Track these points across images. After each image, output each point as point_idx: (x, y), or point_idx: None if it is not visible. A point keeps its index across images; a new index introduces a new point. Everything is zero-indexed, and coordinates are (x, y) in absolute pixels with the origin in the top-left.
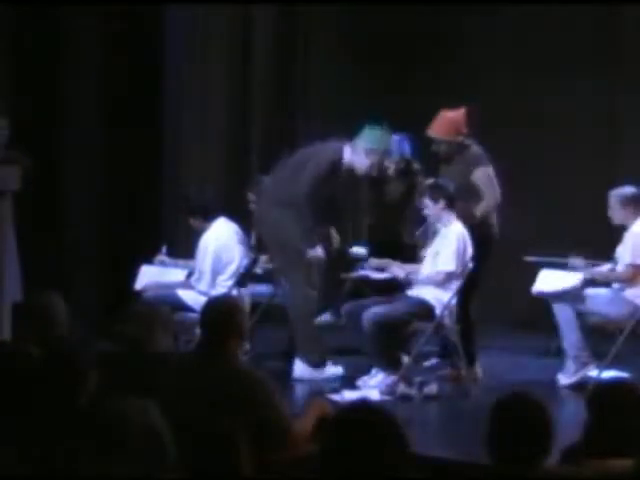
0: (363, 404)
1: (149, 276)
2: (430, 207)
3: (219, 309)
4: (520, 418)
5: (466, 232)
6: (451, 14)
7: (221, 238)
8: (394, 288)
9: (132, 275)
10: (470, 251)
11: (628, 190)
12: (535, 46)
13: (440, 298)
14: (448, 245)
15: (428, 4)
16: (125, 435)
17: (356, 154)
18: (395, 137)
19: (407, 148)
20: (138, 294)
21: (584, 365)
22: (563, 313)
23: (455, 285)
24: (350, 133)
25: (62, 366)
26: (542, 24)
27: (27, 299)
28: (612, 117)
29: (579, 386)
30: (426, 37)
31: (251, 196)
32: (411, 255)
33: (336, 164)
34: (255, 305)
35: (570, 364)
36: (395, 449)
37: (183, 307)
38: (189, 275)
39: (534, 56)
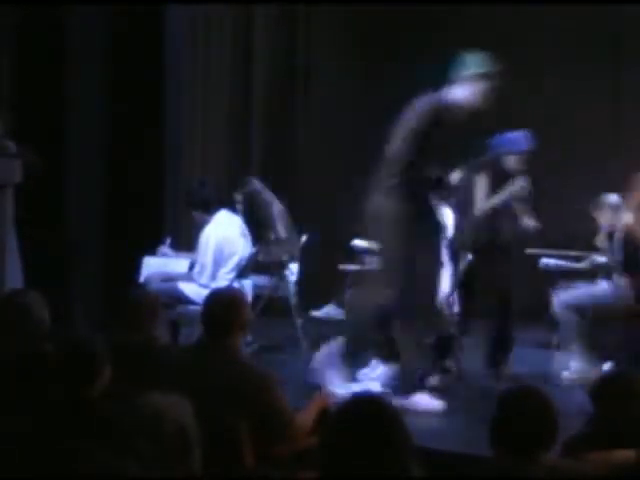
0: (366, 397)
1: (152, 267)
2: None
3: (222, 302)
4: (525, 411)
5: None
6: (451, 14)
7: (222, 231)
8: None
9: (135, 270)
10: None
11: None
12: (536, 45)
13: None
14: None
15: (428, 3)
16: (158, 432)
17: (461, 87)
18: (518, 134)
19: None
20: (140, 286)
21: (594, 364)
22: (568, 324)
23: (450, 276)
24: (350, 133)
25: (77, 362)
26: (542, 24)
27: (7, 298)
28: (614, 117)
29: (582, 379)
30: (427, 37)
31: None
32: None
33: (438, 111)
34: (257, 297)
35: (579, 363)
36: (397, 442)
37: (185, 300)
38: (190, 268)
39: (534, 55)
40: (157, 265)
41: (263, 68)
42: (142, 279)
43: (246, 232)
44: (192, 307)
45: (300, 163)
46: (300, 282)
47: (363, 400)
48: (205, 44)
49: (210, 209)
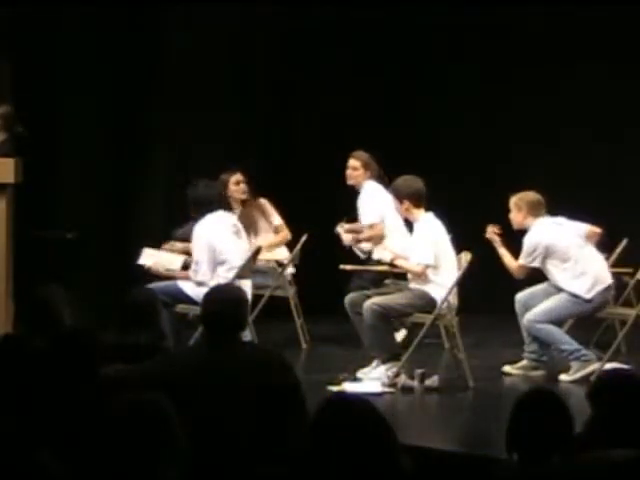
0: (339, 402)
1: (153, 258)
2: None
3: (224, 299)
4: (544, 415)
5: (433, 222)
6: (452, 16)
7: (213, 229)
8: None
9: (134, 270)
10: (445, 239)
11: None
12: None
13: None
14: (419, 238)
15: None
16: (138, 428)
17: None
18: None
19: None
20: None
21: (588, 363)
22: (545, 331)
23: (451, 275)
24: (349, 134)
25: (73, 359)
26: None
27: (30, 293)
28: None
29: (581, 380)
30: (427, 38)
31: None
32: None
33: None
34: (257, 297)
35: (574, 363)
36: (378, 443)
37: (185, 299)
38: (185, 268)
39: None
40: (155, 255)
41: (262, 69)
42: (144, 263)
43: (241, 230)
44: (193, 307)
45: (300, 162)
46: (300, 282)
47: (338, 406)
48: (205, 44)
49: (210, 209)
